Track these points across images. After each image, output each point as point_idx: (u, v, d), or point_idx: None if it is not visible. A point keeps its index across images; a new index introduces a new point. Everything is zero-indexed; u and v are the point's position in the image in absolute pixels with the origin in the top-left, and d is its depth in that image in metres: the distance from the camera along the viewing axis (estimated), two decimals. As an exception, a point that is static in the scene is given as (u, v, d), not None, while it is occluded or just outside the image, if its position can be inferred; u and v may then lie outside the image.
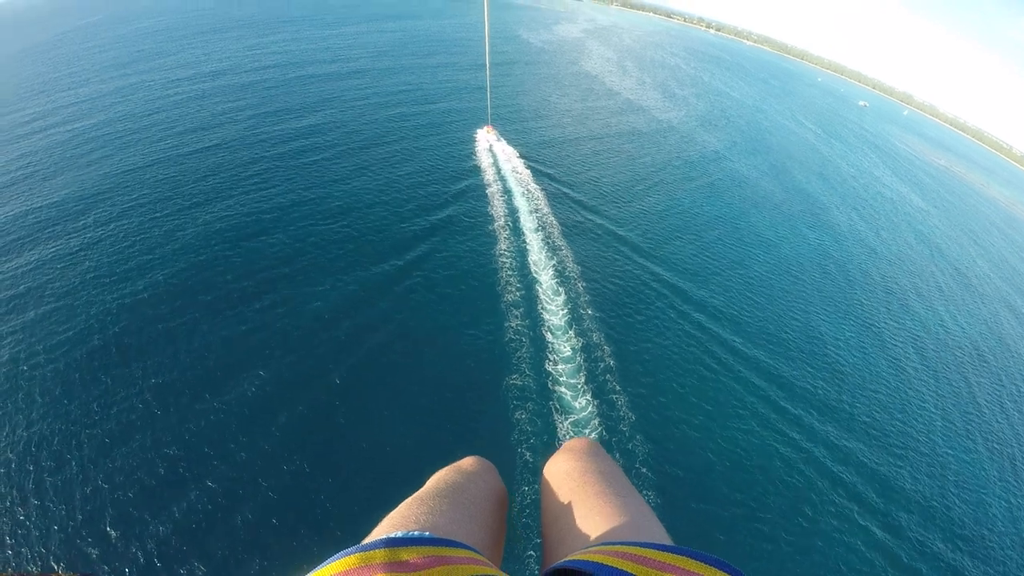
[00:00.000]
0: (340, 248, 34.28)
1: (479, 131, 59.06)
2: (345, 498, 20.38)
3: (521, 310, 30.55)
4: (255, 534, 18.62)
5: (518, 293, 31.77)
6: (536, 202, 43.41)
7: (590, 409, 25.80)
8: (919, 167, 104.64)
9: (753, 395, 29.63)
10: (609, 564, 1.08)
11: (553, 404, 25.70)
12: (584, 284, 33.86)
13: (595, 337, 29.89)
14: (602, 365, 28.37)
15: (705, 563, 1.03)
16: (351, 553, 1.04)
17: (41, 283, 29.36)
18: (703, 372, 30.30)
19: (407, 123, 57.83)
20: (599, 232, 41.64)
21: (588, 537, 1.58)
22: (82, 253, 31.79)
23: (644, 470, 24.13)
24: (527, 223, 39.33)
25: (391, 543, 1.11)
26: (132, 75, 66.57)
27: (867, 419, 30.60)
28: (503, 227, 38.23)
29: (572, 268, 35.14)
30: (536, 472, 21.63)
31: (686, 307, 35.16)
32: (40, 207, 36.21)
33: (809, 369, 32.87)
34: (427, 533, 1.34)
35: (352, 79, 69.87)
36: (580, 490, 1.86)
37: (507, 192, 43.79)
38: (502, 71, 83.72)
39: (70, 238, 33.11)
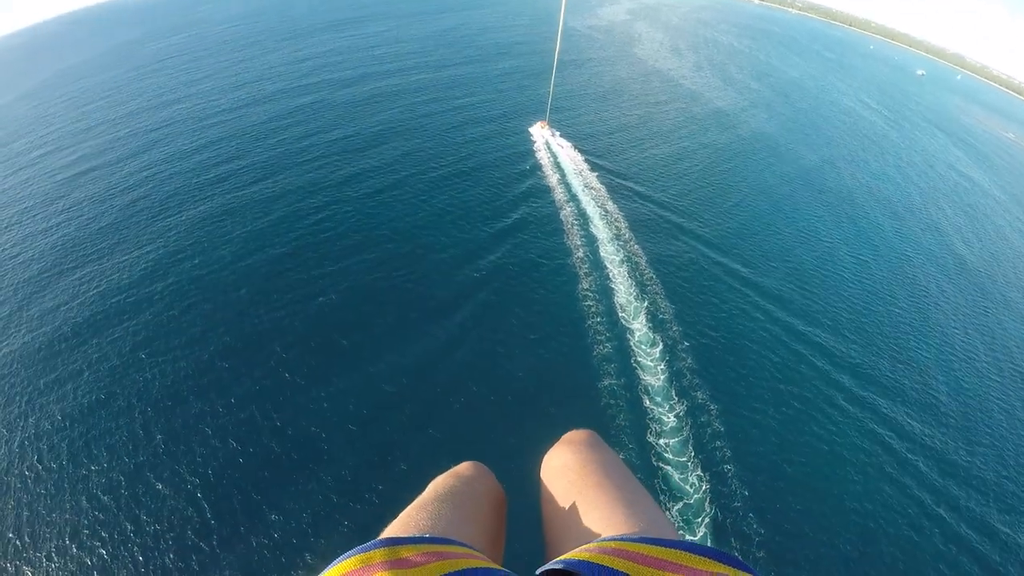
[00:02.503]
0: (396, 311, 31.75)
1: (533, 127, 55.99)
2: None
3: (614, 366, 27.45)
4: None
5: (609, 345, 28.61)
6: (607, 211, 40.40)
7: (703, 488, 22.81)
8: (987, 144, 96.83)
9: (907, 474, 25.73)
10: (602, 563, 1.06)
11: (658, 483, 22.79)
12: (680, 328, 30.46)
13: (699, 396, 26.68)
14: (709, 431, 25.31)
15: (704, 556, 1.02)
16: (351, 555, 1.07)
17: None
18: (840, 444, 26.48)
19: (466, 128, 55.14)
20: (686, 248, 38.50)
21: (588, 531, 1.55)
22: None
23: (761, 554, 21.22)
24: (608, 252, 35.91)
25: (390, 543, 1.14)
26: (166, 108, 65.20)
27: None
28: (582, 260, 35.05)
29: (664, 306, 31.80)
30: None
31: (815, 355, 31.21)
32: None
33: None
34: (426, 534, 1.42)
35: (400, 85, 67.19)
36: (580, 483, 1.83)
37: (580, 211, 40.51)
38: (549, 63, 78.39)
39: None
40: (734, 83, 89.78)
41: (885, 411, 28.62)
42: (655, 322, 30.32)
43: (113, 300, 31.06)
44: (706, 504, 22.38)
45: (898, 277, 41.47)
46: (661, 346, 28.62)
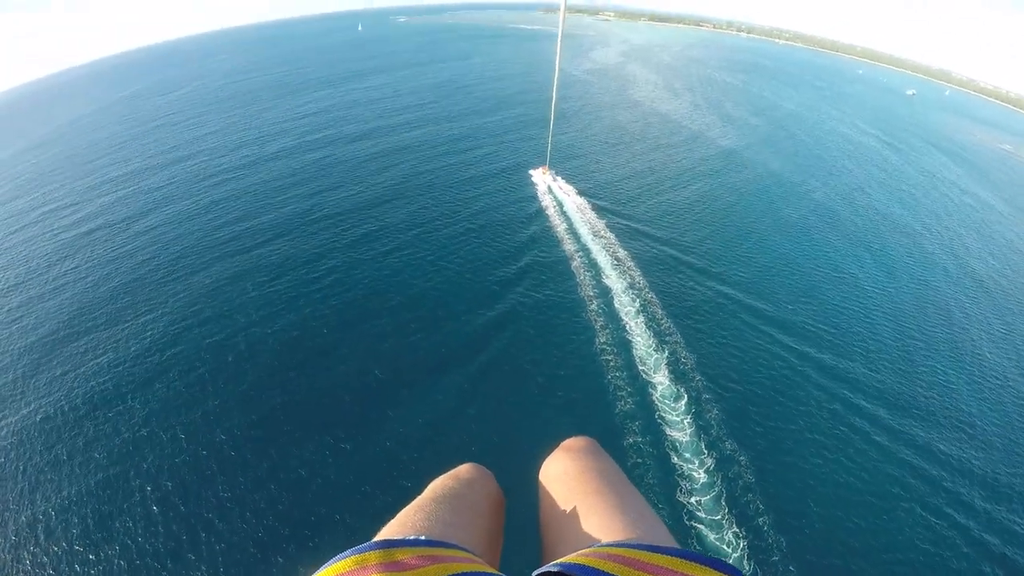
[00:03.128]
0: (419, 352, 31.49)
1: (535, 172, 56.65)
2: None
3: (639, 423, 26.95)
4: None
5: (631, 401, 28.15)
6: (618, 259, 40.40)
7: (741, 547, 22.20)
8: (985, 158, 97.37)
9: (950, 504, 25.10)
10: (595, 567, 1.07)
11: (693, 544, 22.15)
12: (702, 378, 30.03)
13: (728, 447, 26.12)
14: (740, 483, 24.72)
15: (697, 563, 1.03)
16: (346, 556, 1.07)
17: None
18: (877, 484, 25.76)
19: (469, 181, 55.72)
20: (701, 289, 38.60)
21: (585, 537, 1.55)
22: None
23: None
24: (623, 303, 35.67)
25: (385, 545, 1.14)
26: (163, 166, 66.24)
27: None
28: (597, 313, 34.87)
29: (685, 356, 31.40)
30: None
31: (845, 391, 30.88)
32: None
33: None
34: (422, 536, 1.39)
35: (402, 141, 67.92)
36: (577, 490, 1.83)
37: (591, 260, 40.39)
38: (546, 108, 79.42)
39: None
40: (733, 120, 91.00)
41: (920, 441, 28.24)
42: (677, 373, 29.92)
43: (119, 370, 30.89)
44: (745, 562, 21.71)
45: (920, 303, 41.27)
46: (686, 399, 28.14)
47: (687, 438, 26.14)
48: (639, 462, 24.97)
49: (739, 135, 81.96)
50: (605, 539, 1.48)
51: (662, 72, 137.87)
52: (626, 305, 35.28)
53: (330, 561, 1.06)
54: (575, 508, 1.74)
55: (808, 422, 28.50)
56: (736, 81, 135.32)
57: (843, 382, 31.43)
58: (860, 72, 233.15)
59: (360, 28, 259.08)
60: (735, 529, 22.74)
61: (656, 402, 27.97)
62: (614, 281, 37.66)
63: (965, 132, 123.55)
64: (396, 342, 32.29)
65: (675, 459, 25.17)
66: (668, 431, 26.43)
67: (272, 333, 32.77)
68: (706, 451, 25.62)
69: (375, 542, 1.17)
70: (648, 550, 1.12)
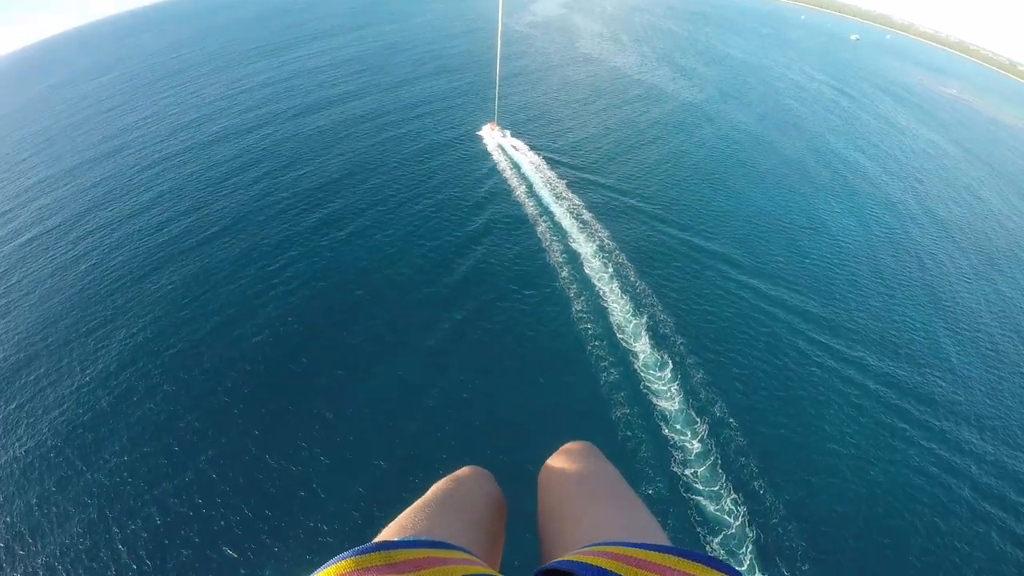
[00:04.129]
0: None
1: (483, 130, 54.82)
2: None
3: (624, 394, 25.85)
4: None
5: (615, 371, 26.95)
6: (593, 231, 38.23)
7: (741, 513, 21.73)
8: (932, 102, 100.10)
9: (943, 468, 24.87)
10: (595, 564, 1.07)
11: (692, 515, 21.38)
12: (683, 341, 29.03)
13: (718, 412, 25.51)
14: (733, 446, 24.29)
15: (696, 561, 1.03)
16: (346, 557, 1.06)
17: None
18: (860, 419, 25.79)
19: (421, 147, 52.72)
20: (672, 243, 37.83)
21: (583, 538, 1.54)
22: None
23: (806, 567, 20.42)
24: (593, 268, 34.14)
25: (386, 546, 1.13)
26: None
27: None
28: (569, 280, 33.31)
29: (665, 321, 30.25)
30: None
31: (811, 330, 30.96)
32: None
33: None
34: (423, 537, 1.41)
35: (348, 112, 63.29)
36: (575, 491, 1.84)
37: (556, 224, 38.61)
38: (490, 65, 75.37)
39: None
40: (687, 73, 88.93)
41: (907, 384, 28.56)
42: (657, 338, 28.85)
43: (72, 392, 27.72)
44: (747, 529, 21.23)
45: (894, 249, 41.83)
46: (670, 365, 27.11)
47: (676, 407, 25.23)
48: (629, 435, 23.98)
49: (695, 88, 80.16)
50: (603, 538, 1.42)
51: (607, 23, 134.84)
52: (598, 271, 33.85)
53: (330, 562, 1.03)
54: (574, 510, 1.73)
55: (794, 375, 28.17)
56: (682, 30, 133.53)
57: (825, 331, 31.33)
58: (803, 18, 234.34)
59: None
60: (733, 495, 22.26)
61: (640, 372, 26.84)
62: (582, 245, 36.14)
63: (910, 76, 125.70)
64: (363, 333, 30.22)
65: (666, 430, 24.25)
66: (656, 401, 25.44)
67: (236, 340, 29.76)
68: (697, 418, 24.79)
69: (375, 543, 1.15)
70: (642, 547, 1.11)
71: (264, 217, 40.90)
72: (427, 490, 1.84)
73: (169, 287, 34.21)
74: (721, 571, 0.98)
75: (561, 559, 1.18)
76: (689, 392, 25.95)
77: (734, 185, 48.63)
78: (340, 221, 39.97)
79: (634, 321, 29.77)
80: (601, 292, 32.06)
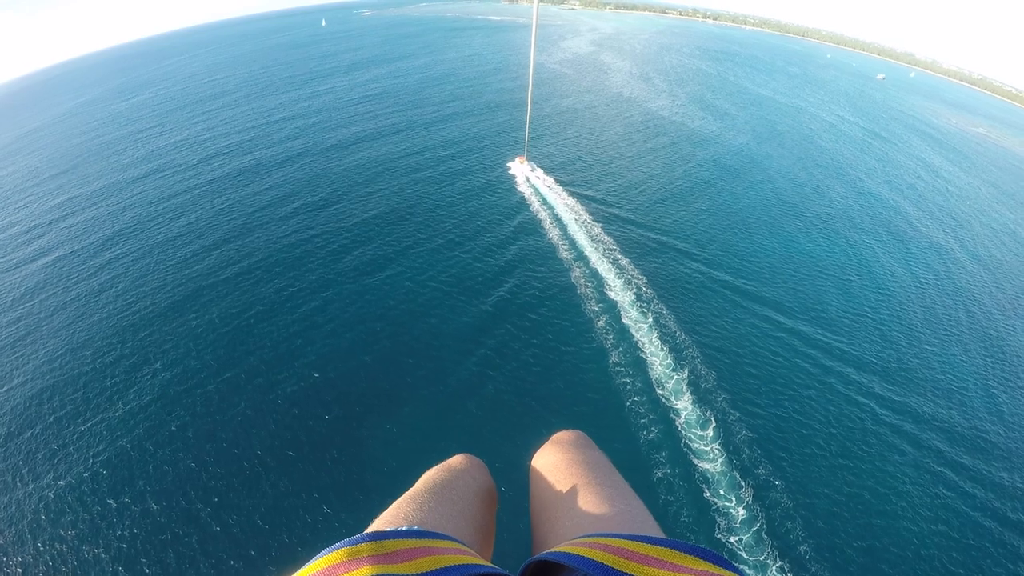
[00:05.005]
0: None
1: (511, 163, 55.89)
2: None
3: (665, 454, 25.17)
4: None
5: (655, 429, 26.27)
6: (619, 264, 38.01)
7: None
8: (963, 143, 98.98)
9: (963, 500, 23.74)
10: (588, 556, 1.08)
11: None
12: (726, 397, 28.26)
13: (762, 473, 24.86)
14: (779, 510, 23.64)
15: (688, 553, 1.03)
16: (338, 548, 1.05)
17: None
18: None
19: (452, 184, 53.04)
20: (712, 289, 37.47)
21: (575, 528, 1.56)
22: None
23: None
24: (632, 319, 33.58)
25: (377, 537, 1.12)
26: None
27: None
28: (605, 330, 32.86)
29: (705, 373, 29.61)
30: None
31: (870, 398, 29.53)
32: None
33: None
34: (415, 527, 1.41)
35: (380, 149, 63.80)
36: (567, 481, 1.84)
37: (591, 271, 38.22)
38: (522, 100, 73.51)
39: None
40: (717, 112, 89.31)
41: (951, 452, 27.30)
42: (698, 393, 28.11)
43: (85, 426, 27.45)
44: (793, 605, 20.30)
45: (949, 298, 40.95)
46: (713, 423, 26.37)
47: (718, 469, 24.41)
48: (671, 500, 23.23)
49: (730, 130, 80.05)
50: (595, 529, 1.46)
51: (635, 60, 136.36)
52: (636, 321, 33.28)
53: (321, 553, 1.03)
54: (565, 499, 1.74)
55: (844, 431, 27.51)
56: (711, 70, 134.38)
57: (875, 379, 30.77)
58: (829, 56, 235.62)
59: (324, 23, 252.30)
60: (779, 563, 21.22)
61: (681, 430, 26.12)
62: (619, 294, 35.69)
63: (940, 116, 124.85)
64: (394, 372, 29.90)
65: (707, 493, 23.46)
66: (697, 462, 24.66)
67: (271, 383, 29.41)
68: (742, 482, 23.89)
69: (367, 534, 1.14)
70: (635, 539, 1.10)
71: (300, 252, 41.01)
72: (419, 479, 1.84)
73: (207, 323, 33.99)
74: (713, 563, 0.98)
75: (554, 550, 1.19)
76: (732, 452, 25.21)
77: (777, 229, 48.11)
78: (372, 263, 39.80)
79: (675, 376, 29.05)
80: (640, 343, 31.42)
